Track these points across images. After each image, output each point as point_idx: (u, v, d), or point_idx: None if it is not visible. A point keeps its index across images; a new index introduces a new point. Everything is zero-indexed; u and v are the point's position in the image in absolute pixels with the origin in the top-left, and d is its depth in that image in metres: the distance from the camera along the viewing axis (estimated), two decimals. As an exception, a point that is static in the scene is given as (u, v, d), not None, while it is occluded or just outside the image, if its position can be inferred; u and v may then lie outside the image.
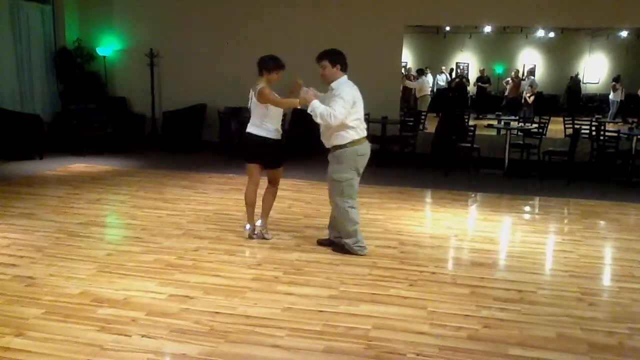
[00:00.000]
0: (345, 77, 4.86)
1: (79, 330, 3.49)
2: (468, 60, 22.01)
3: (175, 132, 10.64)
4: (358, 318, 3.79)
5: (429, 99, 16.05)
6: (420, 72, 16.66)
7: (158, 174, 8.48)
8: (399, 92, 11.70)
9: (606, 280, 4.87)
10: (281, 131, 5.36)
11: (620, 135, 9.16)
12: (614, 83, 17.41)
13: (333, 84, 4.83)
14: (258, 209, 5.55)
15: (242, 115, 10.43)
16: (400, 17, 10.25)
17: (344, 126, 4.76)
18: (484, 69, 19.81)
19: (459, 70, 21.51)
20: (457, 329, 3.67)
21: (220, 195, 7.23)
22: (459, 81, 18.96)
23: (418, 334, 3.59)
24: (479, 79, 19.24)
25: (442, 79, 19.93)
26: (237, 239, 5.43)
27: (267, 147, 5.23)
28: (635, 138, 9.18)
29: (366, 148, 4.93)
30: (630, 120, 15.28)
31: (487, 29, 18.75)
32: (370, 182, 7.70)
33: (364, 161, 4.94)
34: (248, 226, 5.47)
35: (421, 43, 20.75)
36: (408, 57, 20.36)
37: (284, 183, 8.01)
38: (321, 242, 5.30)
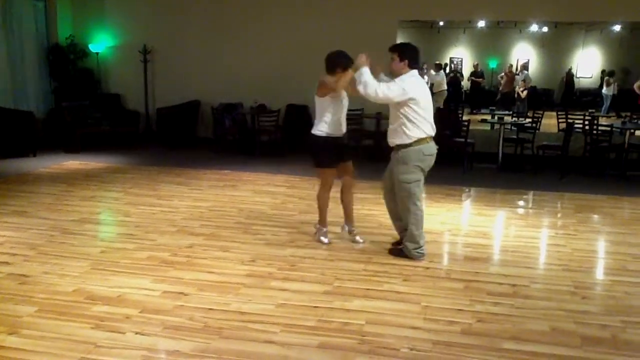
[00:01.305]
0: (411, 73, 4.64)
1: (72, 328, 3.48)
2: (462, 55, 22.03)
3: (170, 128, 10.61)
4: (352, 313, 3.80)
5: (446, 94, 15.79)
6: (439, 67, 16.37)
7: (152, 170, 8.46)
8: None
9: (599, 273, 4.89)
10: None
11: (614, 129, 9.19)
12: (607, 77, 17.44)
13: (397, 79, 4.64)
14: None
15: (236, 111, 10.44)
16: (395, 12, 10.22)
17: (407, 123, 4.58)
18: (477, 64, 19.84)
19: (452, 65, 21.52)
20: (450, 324, 3.68)
21: (214, 192, 7.22)
22: (453, 76, 18.96)
23: (412, 328, 3.60)
24: (472, 74, 19.25)
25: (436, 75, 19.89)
26: (231, 236, 5.43)
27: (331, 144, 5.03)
28: (628, 132, 9.22)
29: (433, 147, 4.72)
30: (623, 114, 15.32)
31: (481, 23, 18.75)
32: (364, 178, 7.70)
33: (430, 161, 4.74)
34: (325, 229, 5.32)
35: (415, 38, 20.62)
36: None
37: (277, 179, 8.05)
38: (394, 252, 5.03)
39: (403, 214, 4.89)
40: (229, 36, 10.81)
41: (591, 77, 21.13)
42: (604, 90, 17.35)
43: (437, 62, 17.01)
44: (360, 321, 3.68)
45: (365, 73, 4.62)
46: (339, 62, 4.90)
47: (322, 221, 5.28)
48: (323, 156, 5.06)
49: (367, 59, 4.69)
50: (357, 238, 5.29)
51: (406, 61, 4.63)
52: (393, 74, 4.73)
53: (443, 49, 21.77)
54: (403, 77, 4.63)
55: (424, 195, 4.92)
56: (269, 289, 4.19)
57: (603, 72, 19.47)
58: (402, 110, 4.59)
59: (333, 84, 4.84)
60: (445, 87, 15.71)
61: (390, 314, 3.81)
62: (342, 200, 5.33)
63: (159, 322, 3.59)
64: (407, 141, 4.63)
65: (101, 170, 8.48)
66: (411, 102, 4.54)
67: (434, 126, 4.73)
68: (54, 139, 10.01)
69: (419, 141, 4.62)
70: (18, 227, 5.55)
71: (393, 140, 4.73)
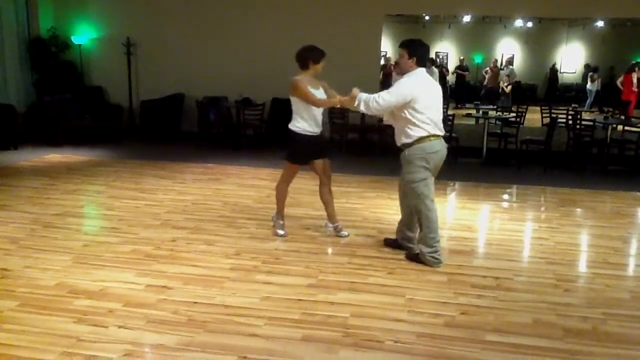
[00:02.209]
0: (418, 71, 4.54)
1: (55, 322, 3.45)
2: (447, 50, 22.11)
3: (153, 122, 10.52)
4: (336, 306, 3.81)
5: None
6: (432, 62, 16.32)
7: (135, 164, 8.39)
8: (378, 81, 11.70)
9: (581, 266, 4.95)
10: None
11: (596, 124, 9.29)
12: (591, 73, 17.59)
13: (397, 83, 4.62)
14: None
15: (220, 105, 10.38)
16: (380, 6, 10.22)
17: (408, 122, 4.48)
18: (463, 58, 19.93)
19: (438, 60, 21.59)
20: (434, 316, 3.70)
21: (198, 186, 7.18)
22: (439, 71, 19.02)
23: (396, 321, 3.62)
24: (458, 67, 19.34)
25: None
26: (216, 229, 5.41)
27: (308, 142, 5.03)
28: (610, 127, 9.32)
29: (436, 145, 4.56)
30: (606, 109, 15.50)
31: (466, 18, 18.84)
32: (349, 172, 7.72)
33: (436, 159, 4.59)
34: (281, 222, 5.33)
35: (401, 33, 20.69)
36: (388, 47, 20.37)
37: (262, 173, 8.02)
38: (388, 243, 5.06)
39: (416, 216, 4.74)
40: (213, 29, 10.73)
41: (574, 73, 21.33)
42: (588, 85, 17.50)
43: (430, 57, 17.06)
44: (345, 314, 3.69)
45: (361, 96, 4.60)
46: (309, 56, 4.94)
47: (279, 212, 5.32)
48: (295, 151, 5.08)
49: (357, 90, 4.69)
50: (342, 232, 5.30)
51: (414, 58, 4.53)
52: (401, 71, 4.67)
53: (428, 43, 21.75)
54: (403, 79, 4.55)
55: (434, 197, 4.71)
56: (254, 282, 4.19)
57: (587, 66, 19.65)
58: (403, 111, 4.50)
59: (316, 101, 4.90)
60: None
61: (375, 306, 3.82)
62: (322, 200, 5.30)
63: (143, 315, 3.57)
64: (409, 140, 4.54)
65: (84, 163, 8.40)
66: (412, 103, 4.44)
67: (440, 124, 4.60)
68: (36, 132, 9.87)
69: (421, 139, 4.50)
70: (-1, 220, 5.48)
71: (398, 140, 4.65)
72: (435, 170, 4.68)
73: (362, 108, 4.61)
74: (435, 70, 15.85)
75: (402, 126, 4.57)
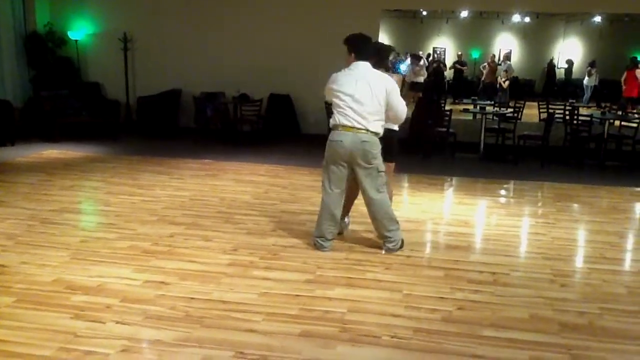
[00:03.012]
0: (355, 64, 4.60)
1: (52, 318, 3.44)
2: (445, 45, 22.10)
3: (150, 117, 10.50)
4: (334, 302, 3.81)
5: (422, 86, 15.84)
6: (417, 58, 16.32)
7: (133, 160, 8.38)
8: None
9: (578, 261, 4.96)
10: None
11: (593, 119, 9.30)
12: (589, 68, 17.54)
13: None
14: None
15: (218, 100, 10.36)
16: (377, 1, 10.21)
17: (332, 109, 4.67)
18: (461, 54, 19.91)
19: (435, 55, 21.58)
20: (431, 311, 3.71)
21: (195, 181, 7.17)
22: (437, 66, 19.00)
23: (393, 316, 3.62)
24: (456, 62, 19.34)
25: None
26: (213, 225, 5.40)
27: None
28: (607, 122, 9.33)
29: (337, 136, 4.52)
30: (603, 104, 15.49)
31: (464, 13, 18.83)
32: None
33: (335, 148, 4.53)
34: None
35: (398, 28, 20.74)
36: (385, 42, 20.34)
37: (259, 169, 8.02)
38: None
39: (347, 201, 4.99)
40: (211, 25, 10.70)
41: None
42: (586, 80, 17.45)
43: (414, 53, 17.09)
44: (342, 309, 3.69)
45: None
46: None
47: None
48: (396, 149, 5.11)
49: None
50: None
51: (353, 54, 4.65)
52: (347, 65, 4.73)
53: (426, 39, 21.82)
54: (339, 72, 4.67)
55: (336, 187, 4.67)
56: (251, 278, 4.19)
57: (569, 61, 19.70)
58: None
59: None
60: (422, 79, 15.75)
61: (372, 302, 3.83)
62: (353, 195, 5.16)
63: (140, 311, 3.57)
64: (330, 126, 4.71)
65: (81, 159, 8.38)
66: (335, 91, 4.58)
67: (359, 118, 4.49)
68: (33, 128, 9.85)
69: (333, 126, 4.61)
70: (-4, 217, 5.47)
71: None
72: (334, 162, 4.58)
73: None
74: (422, 64, 15.91)
75: None
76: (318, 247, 4.77)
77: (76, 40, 10.97)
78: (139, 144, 9.78)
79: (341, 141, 4.52)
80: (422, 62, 16.22)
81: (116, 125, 10.34)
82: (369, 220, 5.30)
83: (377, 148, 4.59)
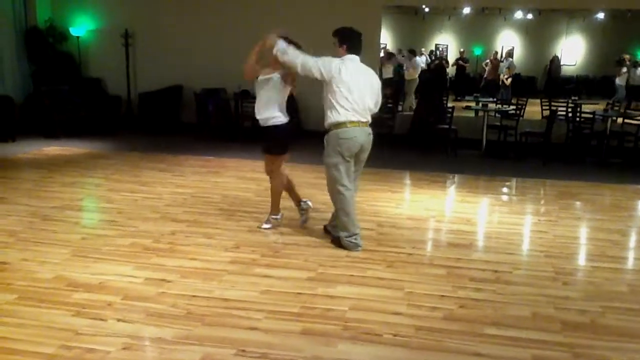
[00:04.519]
0: (348, 57, 4.59)
1: (53, 315, 3.44)
2: (447, 42, 22.02)
3: (152, 114, 10.49)
4: (335, 300, 3.80)
5: (417, 82, 15.76)
6: (413, 53, 16.27)
7: (134, 156, 8.37)
8: (376, 72, 11.66)
9: (580, 259, 4.95)
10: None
11: (595, 116, 9.27)
12: (617, 67, 16.49)
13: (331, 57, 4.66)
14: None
15: (219, 96, 10.34)
16: (379, -3, 10.18)
17: (330, 106, 4.58)
18: (463, 50, 19.85)
19: (438, 52, 21.52)
20: (433, 310, 3.70)
21: (197, 178, 7.16)
22: (439, 63, 18.97)
23: (394, 314, 3.61)
24: (459, 59, 19.29)
25: (422, 61, 19.89)
26: (215, 222, 5.40)
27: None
28: (610, 119, 9.30)
29: (351, 132, 4.54)
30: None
31: (466, 10, 18.75)
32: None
33: (349, 145, 4.56)
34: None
35: (400, 24, 20.67)
36: (387, 39, 20.29)
37: (260, 166, 7.95)
38: (326, 231, 5.12)
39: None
40: (212, 21, 10.68)
41: (575, 65, 21.26)
42: (617, 80, 16.47)
43: (411, 48, 17.00)
44: (344, 307, 3.68)
45: (281, 42, 4.67)
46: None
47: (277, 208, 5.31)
48: (285, 143, 5.10)
49: (276, 34, 4.76)
50: (309, 203, 5.32)
51: (344, 46, 4.62)
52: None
53: (428, 35, 21.74)
54: (337, 59, 4.61)
55: (349, 183, 4.71)
56: (253, 275, 4.18)
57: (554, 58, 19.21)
58: (328, 93, 4.59)
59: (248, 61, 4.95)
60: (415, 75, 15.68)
61: (373, 300, 3.82)
62: (289, 186, 5.32)
63: (142, 309, 3.56)
64: (328, 123, 4.63)
65: (82, 156, 8.37)
66: (334, 85, 4.52)
67: (364, 112, 4.61)
68: (33, 124, 9.84)
69: (337, 125, 4.56)
70: (-3, 213, 5.46)
71: (325, 121, 4.72)
72: (350, 156, 4.64)
73: (280, 54, 4.67)
74: (418, 59, 15.84)
75: (326, 108, 4.65)
76: (352, 247, 4.70)
77: (77, 36, 10.95)
78: (140, 140, 9.77)
79: (356, 137, 4.58)
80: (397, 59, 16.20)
81: (117, 121, 10.33)
82: (369, 219, 5.31)
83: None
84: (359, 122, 4.58)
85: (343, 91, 4.52)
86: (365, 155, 4.77)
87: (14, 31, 10.40)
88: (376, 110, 4.78)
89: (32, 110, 10.04)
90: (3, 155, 8.17)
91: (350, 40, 4.64)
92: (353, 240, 4.72)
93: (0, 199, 5.94)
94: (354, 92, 4.53)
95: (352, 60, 4.62)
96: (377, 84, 4.76)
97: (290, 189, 5.33)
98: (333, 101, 4.56)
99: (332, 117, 4.59)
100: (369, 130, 4.69)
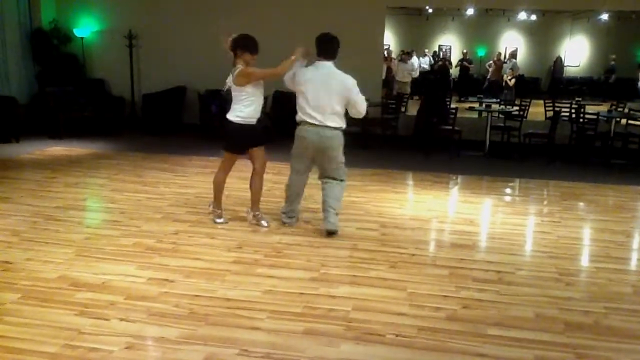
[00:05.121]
0: (320, 64, 4.97)
1: (56, 315, 3.45)
2: (450, 43, 22.02)
3: (155, 114, 10.49)
4: (338, 300, 3.80)
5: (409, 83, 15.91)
6: (408, 55, 16.32)
7: (137, 157, 8.39)
8: (381, 74, 11.67)
9: (583, 260, 4.94)
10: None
11: (600, 117, 9.25)
12: None
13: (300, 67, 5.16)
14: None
15: (223, 97, 10.34)
16: (383, -2, 10.18)
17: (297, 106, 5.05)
18: (466, 51, 19.84)
19: (441, 53, 21.52)
20: (436, 310, 3.70)
21: (200, 179, 7.17)
22: (442, 64, 18.97)
23: (397, 315, 3.61)
24: (463, 60, 19.29)
25: (425, 62, 19.90)
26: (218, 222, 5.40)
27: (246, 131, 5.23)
28: (613, 120, 9.28)
29: (302, 132, 5.00)
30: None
31: (470, 11, 18.75)
32: (351, 165, 7.68)
33: (300, 142, 5.04)
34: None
35: (403, 25, 20.69)
36: (390, 40, 20.30)
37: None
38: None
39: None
40: (215, 22, 10.67)
41: (579, 66, 21.23)
42: None
43: (406, 50, 17.05)
44: (346, 307, 3.68)
45: (296, 66, 5.13)
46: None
47: (218, 203, 5.40)
48: (233, 142, 5.23)
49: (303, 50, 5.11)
50: (263, 222, 5.32)
51: (321, 56, 4.95)
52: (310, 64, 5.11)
53: (432, 36, 21.75)
54: (305, 67, 5.06)
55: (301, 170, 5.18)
56: (256, 275, 4.18)
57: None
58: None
59: (276, 70, 5.21)
60: (408, 78, 15.73)
61: (376, 300, 3.82)
62: (251, 187, 5.42)
63: (144, 308, 3.57)
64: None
65: (86, 156, 8.39)
66: (298, 89, 5.00)
67: (320, 115, 4.90)
68: (38, 124, 9.86)
69: (297, 123, 5.07)
70: (0, 213, 5.47)
71: None
72: (303, 152, 5.08)
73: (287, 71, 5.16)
74: (414, 60, 15.89)
75: None
76: (284, 222, 5.33)
77: (82, 37, 10.97)
78: (144, 140, 9.78)
79: (305, 136, 5.00)
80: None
81: (121, 122, 10.35)
82: (373, 219, 5.30)
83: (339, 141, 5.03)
84: (312, 123, 4.93)
85: (299, 94, 4.98)
86: (328, 154, 5.00)
87: (18, 33, 10.43)
88: (356, 111, 5.01)
89: (36, 110, 10.07)
90: (7, 156, 8.20)
91: (318, 47, 4.97)
92: (284, 219, 5.32)
93: (4, 198, 5.96)
94: (308, 95, 4.90)
95: (317, 66, 4.98)
96: (340, 87, 4.91)
97: (219, 192, 5.44)
98: (297, 103, 5.03)
99: (297, 115, 5.06)
100: (325, 131, 4.92)
